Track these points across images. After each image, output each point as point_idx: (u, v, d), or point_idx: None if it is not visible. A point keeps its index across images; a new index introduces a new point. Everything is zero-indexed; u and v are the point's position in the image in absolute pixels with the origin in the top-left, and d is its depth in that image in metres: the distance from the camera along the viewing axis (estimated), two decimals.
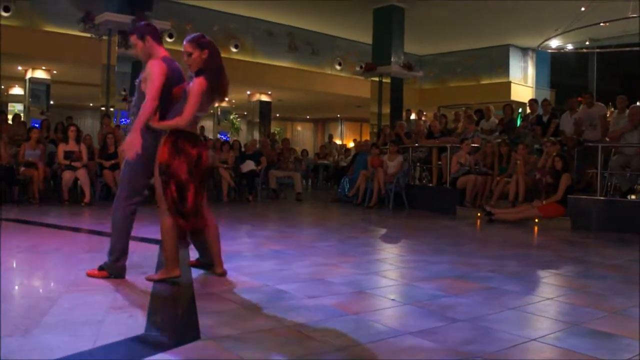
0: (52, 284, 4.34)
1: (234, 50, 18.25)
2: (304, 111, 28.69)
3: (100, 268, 4.31)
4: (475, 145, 11.09)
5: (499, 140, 11.11)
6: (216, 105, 22.54)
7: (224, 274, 4.54)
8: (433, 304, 3.83)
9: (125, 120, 12.86)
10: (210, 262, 4.63)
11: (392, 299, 4.01)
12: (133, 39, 4.36)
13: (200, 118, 4.36)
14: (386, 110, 16.52)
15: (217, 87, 4.22)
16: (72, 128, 10.68)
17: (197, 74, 4.16)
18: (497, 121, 12.32)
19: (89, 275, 4.30)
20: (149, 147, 4.20)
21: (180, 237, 4.32)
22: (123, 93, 12.76)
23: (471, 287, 4.40)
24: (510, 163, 10.20)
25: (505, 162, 10.36)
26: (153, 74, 4.15)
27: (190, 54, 4.17)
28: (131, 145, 4.13)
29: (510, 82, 20.58)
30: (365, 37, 17.92)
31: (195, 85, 4.11)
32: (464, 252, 6.22)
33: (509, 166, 10.18)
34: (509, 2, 15.26)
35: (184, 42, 4.23)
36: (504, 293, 4.25)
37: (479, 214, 9.59)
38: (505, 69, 20.76)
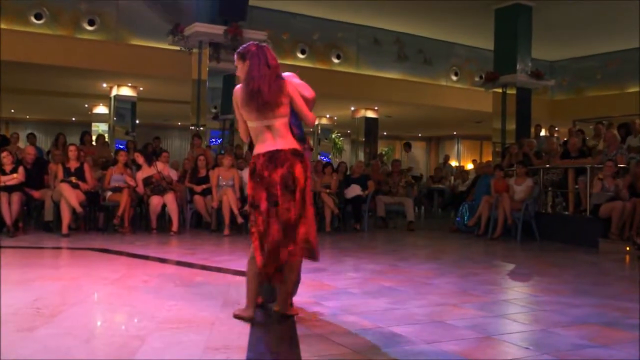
0: (141, 321, 4.47)
1: (336, 61, 18.50)
2: (415, 128, 28.64)
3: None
4: (622, 165, 10.68)
5: None
6: (315, 122, 22.98)
7: (288, 314, 4.44)
8: (576, 355, 3.70)
9: (215, 141, 13.22)
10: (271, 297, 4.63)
11: (526, 348, 3.90)
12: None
13: (268, 127, 4.23)
14: (511, 126, 16.24)
15: (249, 87, 4.21)
16: (136, 154, 11.02)
17: None
18: None
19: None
20: None
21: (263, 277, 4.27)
22: (214, 110, 13.13)
23: (622, 337, 4.23)
24: None
25: None
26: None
27: (236, 67, 4.38)
28: None
29: None
30: (485, 42, 17.72)
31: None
32: (611, 294, 5.98)
33: None
34: None
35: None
36: None
37: (627, 248, 9.24)
38: None
